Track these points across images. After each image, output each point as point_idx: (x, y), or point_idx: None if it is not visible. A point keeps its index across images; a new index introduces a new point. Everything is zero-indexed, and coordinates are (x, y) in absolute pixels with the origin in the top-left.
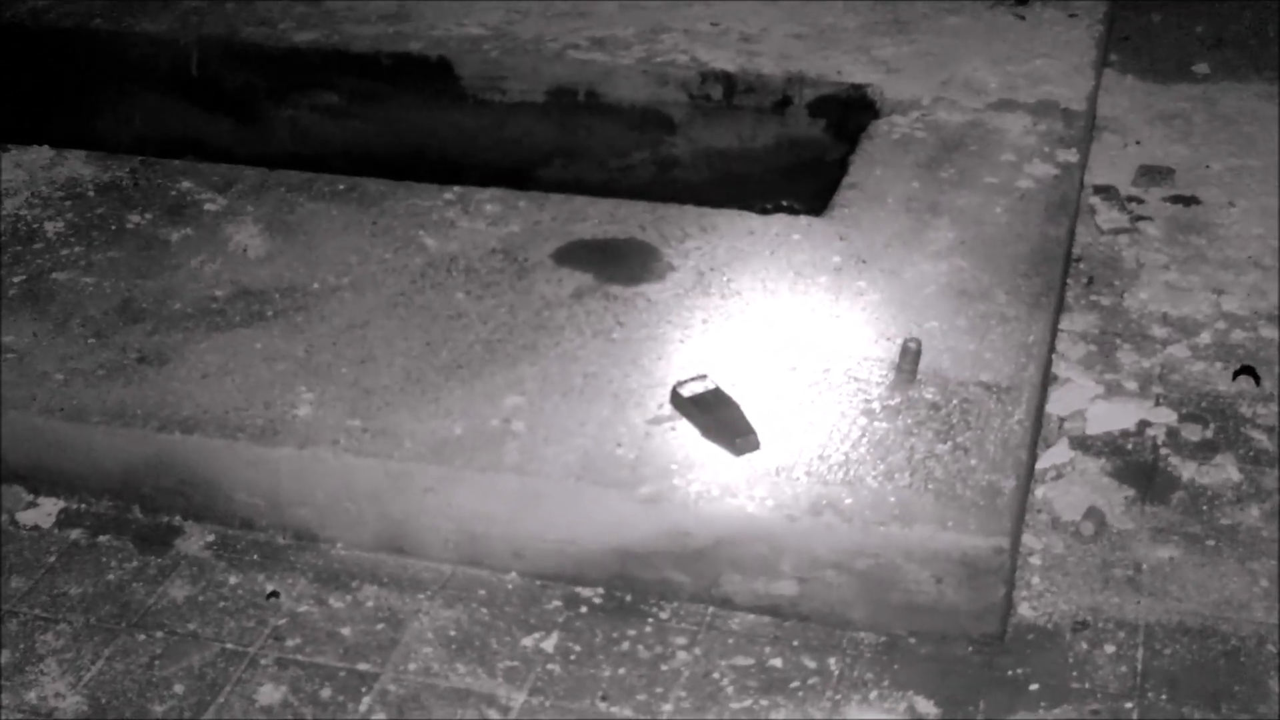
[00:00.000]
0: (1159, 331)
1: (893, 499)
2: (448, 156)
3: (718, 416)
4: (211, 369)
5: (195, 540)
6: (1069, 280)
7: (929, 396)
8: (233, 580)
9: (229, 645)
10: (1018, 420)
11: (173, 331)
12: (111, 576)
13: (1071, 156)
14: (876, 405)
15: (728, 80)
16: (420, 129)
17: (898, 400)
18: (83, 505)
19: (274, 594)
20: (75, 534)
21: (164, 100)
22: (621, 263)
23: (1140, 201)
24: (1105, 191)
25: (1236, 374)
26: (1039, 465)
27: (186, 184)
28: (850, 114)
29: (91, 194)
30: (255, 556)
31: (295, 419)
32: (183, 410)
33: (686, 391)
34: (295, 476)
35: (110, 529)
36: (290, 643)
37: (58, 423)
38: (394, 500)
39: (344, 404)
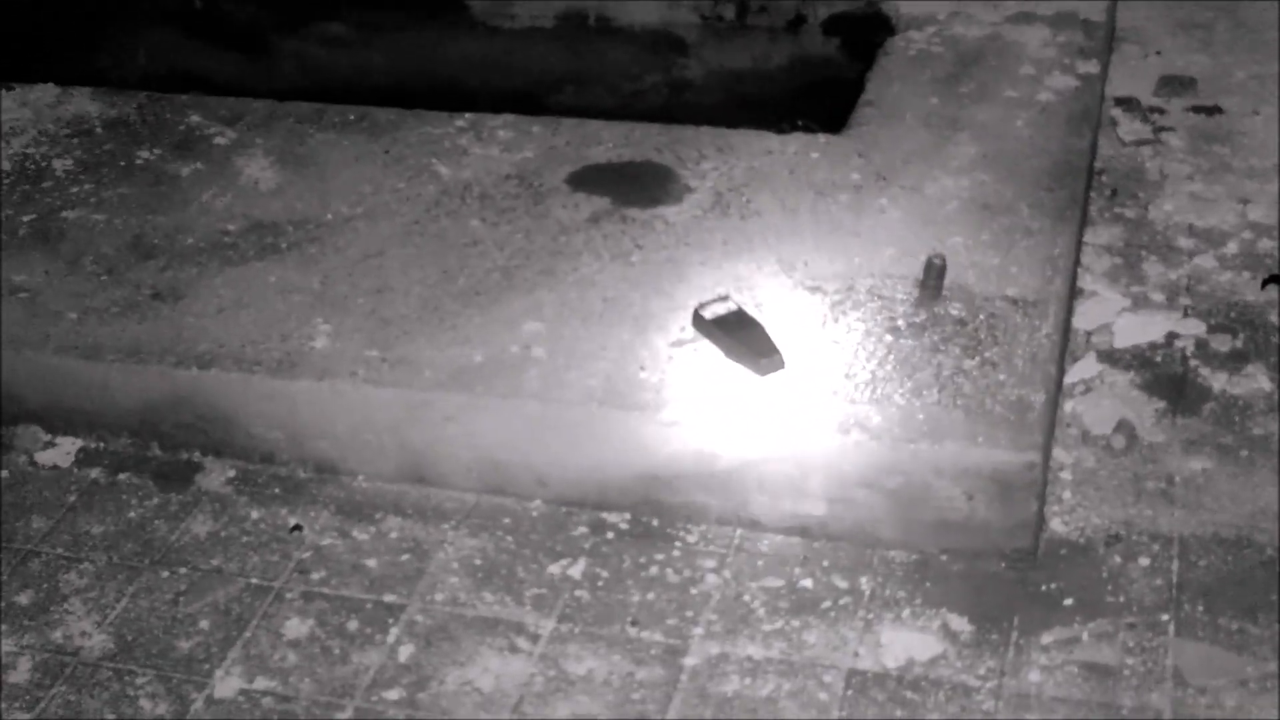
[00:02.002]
0: (1185, 242)
1: (921, 416)
2: (458, 85)
3: (741, 337)
4: (226, 303)
5: (216, 476)
6: (1092, 193)
7: (955, 312)
8: (255, 515)
9: (254, 580)
10: (1045, 334)
11: (186, 266)
12: (133, 514)
13: (1092, 68)
14: (902, 322)
15: (740, 0)
16: (429, 58)
17: (923, 317)
18: (101, 444)
19: (297, 527)
20: (95, 473)
21: (168, 35)
22: (638, 186)
23: (1162, 112)
24: (1127, 103)
25: (1265, 283)
26: (1067, 379)
27: (195, 118)
28: (865, 31)
29: (99, 130)
30: (277, 490)
31: (313, 351)
32: (199, 345)
33: (708, 313)
34: (314, 409)
35: (130, 467)
36: (315, 576)
37: (73, 361)
38: (415, 430)
39: (361, 334)
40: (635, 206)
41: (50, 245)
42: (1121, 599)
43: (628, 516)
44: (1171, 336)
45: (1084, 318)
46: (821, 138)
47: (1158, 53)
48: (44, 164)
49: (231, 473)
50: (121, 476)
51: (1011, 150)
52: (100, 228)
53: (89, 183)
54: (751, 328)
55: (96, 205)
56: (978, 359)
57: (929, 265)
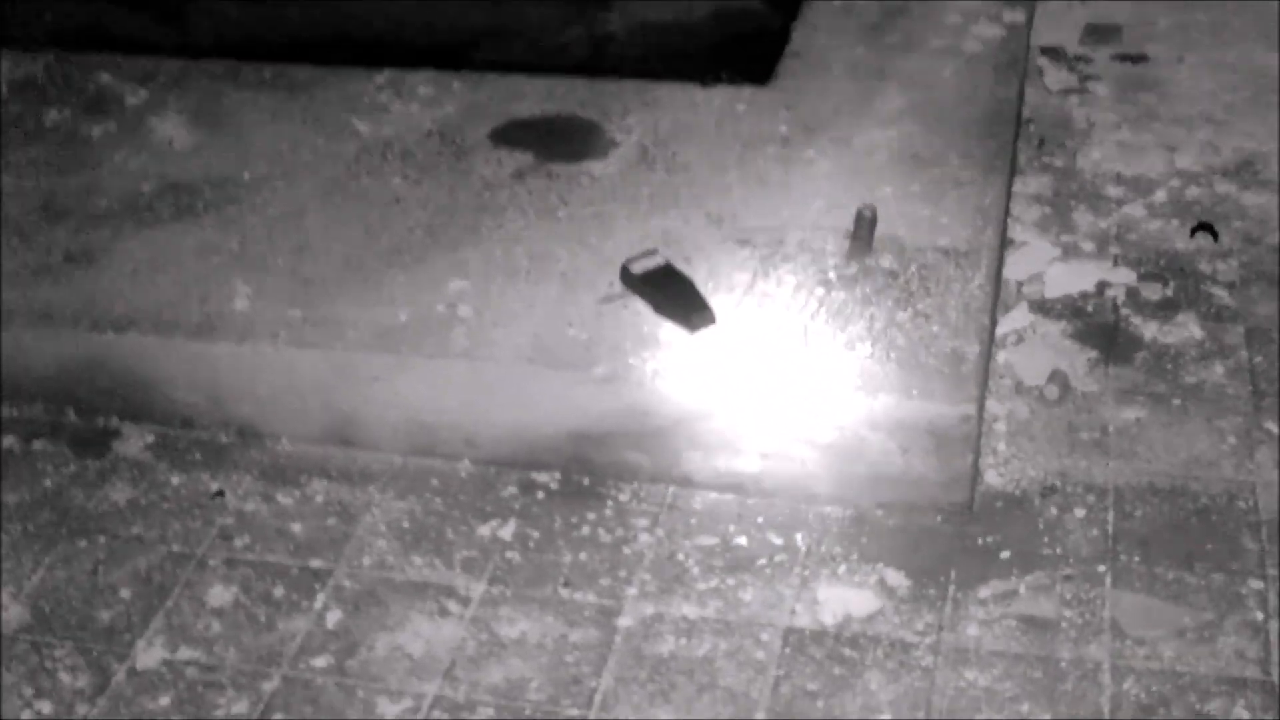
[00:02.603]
0: (1113, 191)
1: (855, 369)
2: (374, 41)
3: (670, 293)
4: (142, 266)
5: (134, 442)
6: (1020, 143)
7: (886, 264)
8: (175, 481)
9: (175, 548)
10: (978, 285)
11: (99, 229)
12: (49, 482)
13: (1018, 16)
14: (833, 275)
15: None
16: (344, 14)
17: (854, 269)
18: (14, 411)
19: (219, 493)
20: (8, 441)
21: None
22: (562, 140)
23: (1088, 61)
24: (1052, 52)
25: (1194, 230)
26: (999, 330)
27: (105, 78)
28: None
29: (5, 91)
30: (198, 456)
31: (233, 313)
32: (115, 309)
33: (637, 268)
34: (236, 371)
35: (45, 434)
36: (239, 542)
37: None
38: (340, 391)
39: (283, 295)
40: (560, 161)
41: None
42: (1058, 551)
43: (558, 476)
44: (1102, 285)
45: (1015, 268)
46: (747, 90)
47: (1082, 1)
48: None
49: (150, 438)
50: (36, 444)
51: (940, 100)
52: (10, 190)
53: None
54: (681, 283)
55: (5, 167)
56: (910, 311)
57: (859, 217)
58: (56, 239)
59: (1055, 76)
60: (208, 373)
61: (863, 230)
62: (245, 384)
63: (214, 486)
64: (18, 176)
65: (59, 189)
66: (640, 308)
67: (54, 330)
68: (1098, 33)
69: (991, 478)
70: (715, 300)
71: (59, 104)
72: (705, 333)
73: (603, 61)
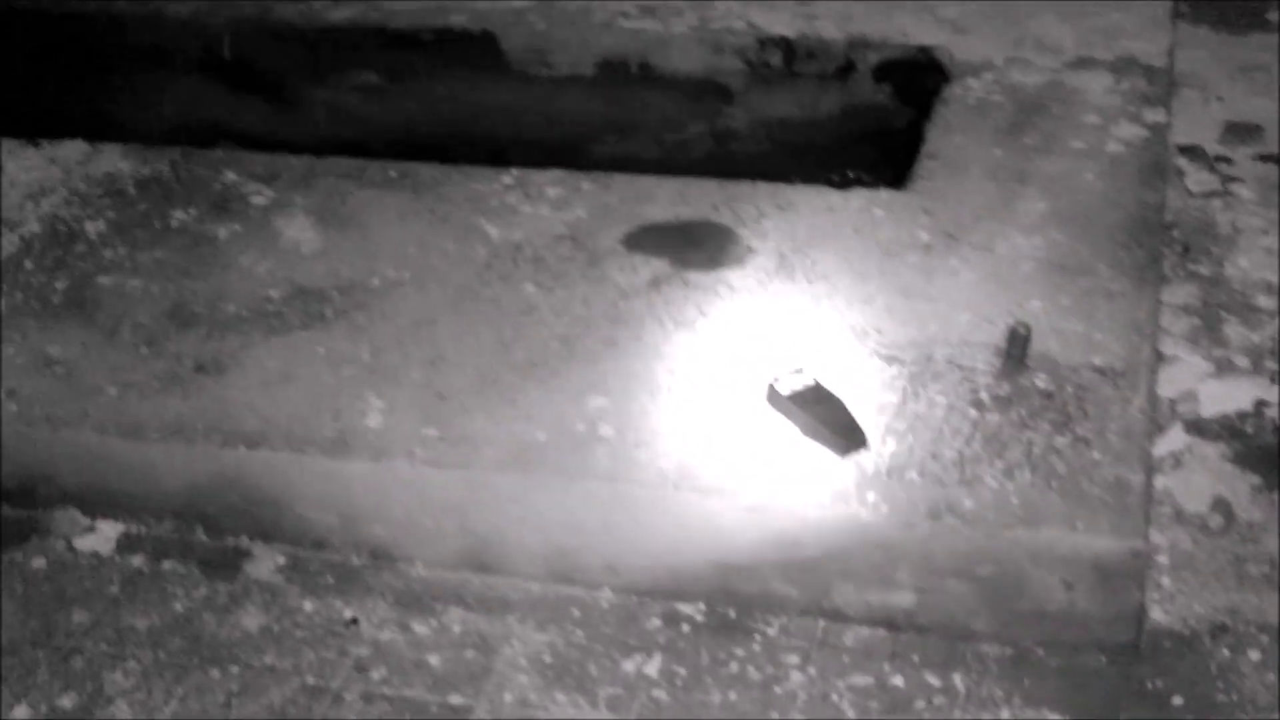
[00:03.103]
0: (1265, 302)
1: (1015, 499)
2: (495, 134)
3: (820, 414)
4: (273, 377)
5: (265, 563)
6: (1164, 248)
7: (1040, 384)
8: (308, 606)
9: (310, 680)
10: (1138, 407)
11: (229, 336)
12: (179, 606)
13: (1159, 116)
14: (986, 396)
15: (787, 46)
16: (465, 106)
17: (1008, 389)
18: (143, 528)
19: (354, 620)
20: (137, 560)
21: (196, 85)
22: (697, 246)
23: (1229, 161)
24: (1191, 151)
25: None
26: (1155, 452)
27: (231, 176)
28: (918, 78)
29: (132, 190)
30: (330, 579)
31: (366, 429)
32: (246, 423)
33: (784, 388)
34: (370, 491)
35: (174, 554)
36: (375, 675)
37: (113, 440)
38: (476, 513)
39: (417, 410)
40: (696, 269)
41: (86, 314)
42: (1234, 697)
43: (703, 607)
44: (1260, 404)
45: (1167, 384)
46: (884, 193)
47: (1219, 98)
48: (76, 226)
49: (281, 559)
50: (165, 564)
51: (1083, 205)
52: (138, 294)
53: (123, 246)
54: (831, 404)
55: (133, 270)
56: (1069, 435)
57: (1013, 335)
58: (186, 347)
59: (1196, 178)
60: (340, 492)
61: (1016, 348)
62: (379, 504)
63: (348, 613)
64: (146, 279)
65: (187, 293)
66: (789, 429)
67: (185, 445)
68: (1237, 131)
69: (1158, 615)
70: (865, 422)
71: (185, 203)
72: (857, 457)
73: (726, 156)
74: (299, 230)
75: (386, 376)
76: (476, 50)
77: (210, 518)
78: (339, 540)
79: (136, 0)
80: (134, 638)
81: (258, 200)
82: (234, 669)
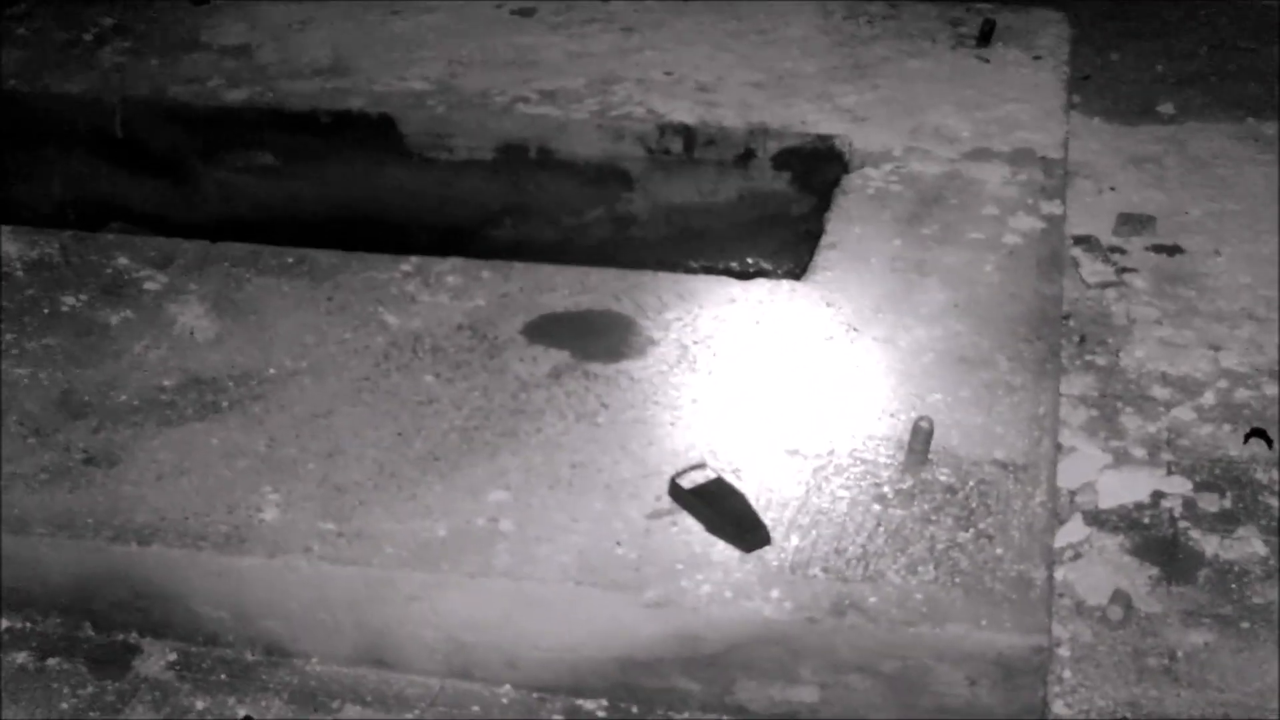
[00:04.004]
0: (1160, 392)
1: (919, 595)
2: (392, 217)
3: (723, 509)
4: (166, 469)
5: (155, 660)
6: (1061, 340)
7: (943, 478)
8: (200, 705)
9: None
10: (1039, 502)
11: (120, 427)
12: (65, 705)
13: (1055, 208)
14: (889, 490)
15: (687, 133)
16: (363, 188)
17: (911, 484)
18: (28, 624)
19: (247, 719)
20: (21, 657)
21: (87, 164)
22: (598, 337)
23: (1123, 252)
24: (1086, 242)
25: (1248, 437)
26: (1055, 544)
27: (123, 260)
28: (817, 166)
29: (20, 274)
30: (223, 676)
31: (262, 523)
32: (137, 517)
33: (687, 482)
34: (265, 587)
35: (60, 650)
36: None
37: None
38: (374, 610)
39: (314, 504)
40: (597, 360)
41: None
42: None
43: (604, 703)
44: (1158, 496)
45: (1066, 476)
46: (786, 284)
47: (1112, 188)
48: None
49: (172, 656)
50: (51, 661)
51: (983, 296)
52: (25, 383)
53: (10, 332)
54: (733, 498)
55: (20, 357)
56: (972, 531)
57: (916, 429)
58: (76, 438)
59: (1091, 268)
60: (235, 587)
61: (919, 443)
62: (274, 599)
63: (241, 711)
64: (34, 366)
65: (77, 381)
66: (691, 524)
67: (74, 539)
68: (1131, 222)
69: (1059, 708)
70: (768, 517)
71: (75, 288)
72: (760, 553)
73: (623, 242)
74: (193, 317)
75: (283, 469)
76: (375, 133)
77: (98, 613)
78: (232, 636)
79: (26, 79)
80: None
81: (150, 286)
82: None
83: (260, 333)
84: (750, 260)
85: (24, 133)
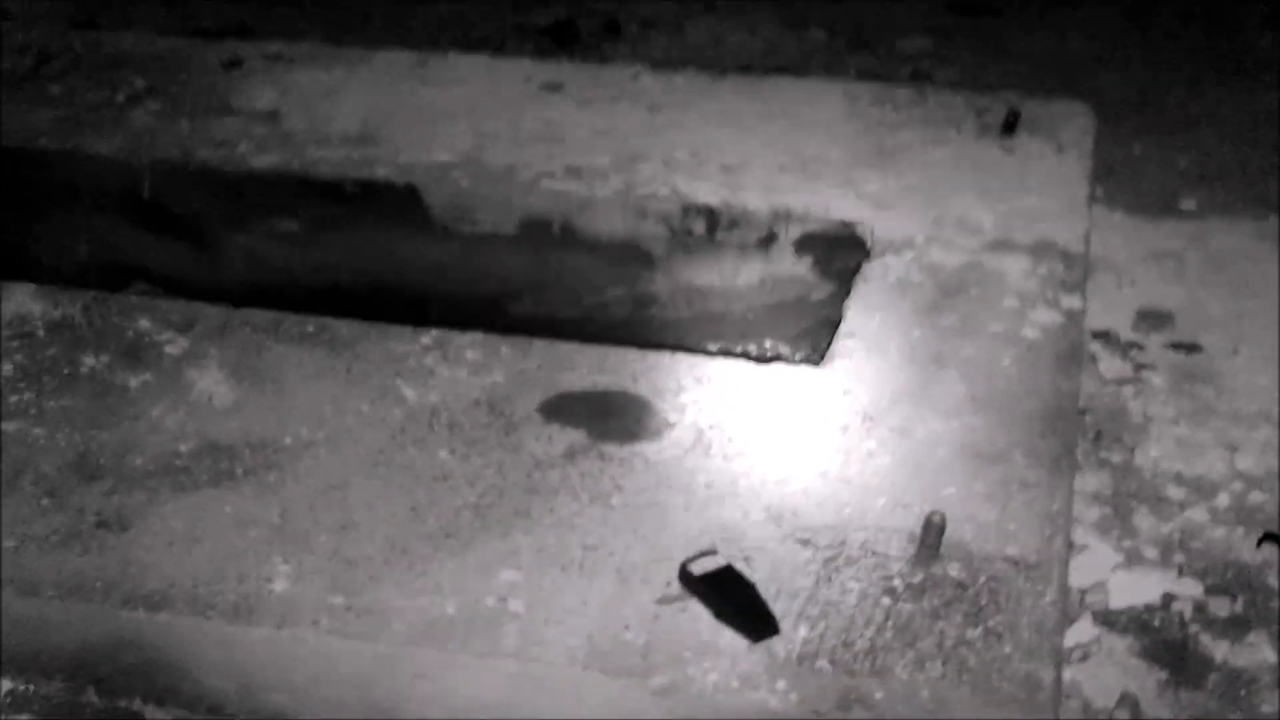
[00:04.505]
0: (1174, 492)
1: (926, 692)
2: (413, 287)
3: (732, 598)
4: (178, 536)
5: None
6: (1077, 436)
7: (954, 574)
8: None
9: None
10: (1050, 601)
11: (134, 491)
12: None
13: (1075, 303)
14: (899, 583)
15: (710, 214)
16: (385, 258)
17: (921, 578)
18: (31, 687)
19: None
20: None
21: (113, 224)
22: (614, 417)
23: (1141, 348)
24: (1104, 337)
25: (1261, 541)
26: (1065, 643)
27: (144, 323)
28: (839, 252)
29: (41, 333)
30: None
31: (271, 594)
32: (147, 583)
33: (697, 569)
34: (272, 659)
35: (63, 714)
36: None
37: (7, 596)
38: (381, 686)
39: (324, 577)
40: (613, 442)
41: None
42: None
43: None
44: (1168, 598)
45: (1077, 574)
46: (803, 371)
47: (1132, 283)
48: None
49: None
50: None
51: (1001, 390)
52: (41, 443)
53: (29, 392)
54: (743, 588)
55: (38, 418)
56: (981, 628)
57: (928, 524)
58: (89, 501)
59: (1109, 364)
60: (241, 658)
61: (931, 537)
62: (280, 673)
63: None
64: (51, 427)
65: (93, 444)
66: (699, 611)
67: (83, 604)
68: (1150, 318)
69: None
70: (777, 606)
71: (95, 349)
72: (768, 643)
73: (644, 321)
74: (212, 383)
75: (295, 540)
76: (400, 204)
77: (103, 678)
78: (236, 707)
79: (57, 137)
80: None
81: (171, 350)
82: None
83: (278, 401)
84: (769, 344)
85: (52, 192)
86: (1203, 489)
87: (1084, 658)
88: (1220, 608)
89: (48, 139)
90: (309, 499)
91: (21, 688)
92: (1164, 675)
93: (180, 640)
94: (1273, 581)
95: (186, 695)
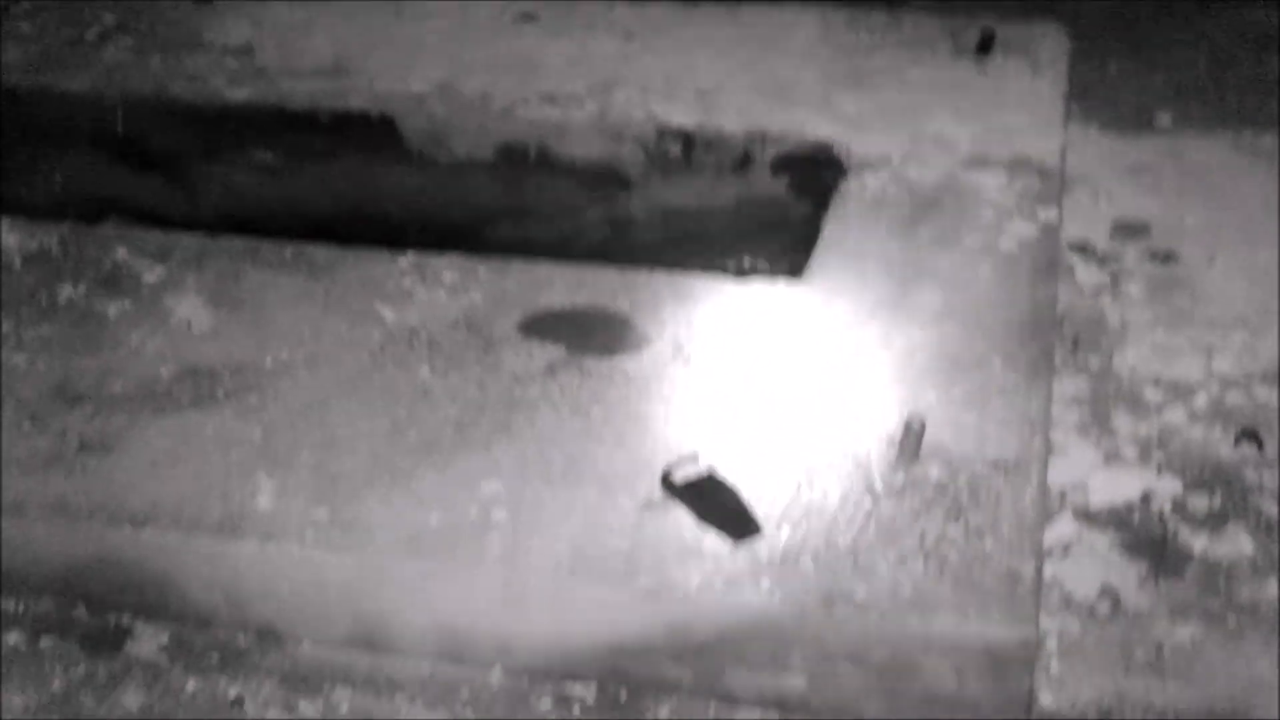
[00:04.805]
0: (1152, 395)
1: (908, 588)
2: (391, 217)
3: (714, 502)
4: (160, 456)
5: (148, 642)
6: (1055, 342)
7: (934, 475)
8: (191, 686)
9: None
10: (1029, 499)
11: (116, 415)
12: (57, 684)
13: (1051, 215)
14: (880, 485)
15: (686, 137)
16: (362, 188)
17: (902, 480)
18: (21, 605)
19: (238, 700)
20: (14, 637)
21: (88, 160)
22: (593, 334)
23: (1117, 258)
24: (1082, 248)
25: (1238, 438)
26: (1045, 540)
27: (122, 253)
28: (815, 171)
29: (18, 265)
30: (215, 658)
31: (256, 510)
32: (132, 503)
33: (679, 475)
34: (258, 572)
35: (53, 631)
36: None
37: None
38: (367, 595)
39: (308, 492)
40: (592, 356)
41: None
42: None
43: (594, 688)
44: (1148, 495)
45: (1057, 474)
46: (781, 284)
47: (1109, 197)
48: None
49: (164, 638)
50: (44, 642)
51: (978, 300)
52: (21, 371)
53: (8, 321)
54: (725, 492)
55: (17, 346)
56: (962, 526)
57: (908, 427)
58: (71, 425)
59: (1086, 274)
60: (228, 572)
61: (910, 441)
62: (267, 584)
63: (232, 693)
64: (31, 355)
65: (73, 370)
66: (682, 516)
67: (67, 523)
68: (1127, 230)
69: (1045, 700)
70: (759, 509)
71: (74, 279)
72: (750, 544)
73: (621, 244)
74: (190, 309)
75: (277, 458)
76: (375, 133)
77: (92, 595)
78: (225, 619)
79: (29, 75)
80: (10, 716)
81: (149, 278)
82: None
83: (257, 326)
84: (747, 263)
85: (25, 130)
86: (1180, 391)
87: (1065, 553)
88: (1199, 503)
89: (19, 77)
90: (290, 418)
91: (12, 606)
92: (1144, 568)
93: (167, 556)
94: (1250, 476)
95: (174, 609)
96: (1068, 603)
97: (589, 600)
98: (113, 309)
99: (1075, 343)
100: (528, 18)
